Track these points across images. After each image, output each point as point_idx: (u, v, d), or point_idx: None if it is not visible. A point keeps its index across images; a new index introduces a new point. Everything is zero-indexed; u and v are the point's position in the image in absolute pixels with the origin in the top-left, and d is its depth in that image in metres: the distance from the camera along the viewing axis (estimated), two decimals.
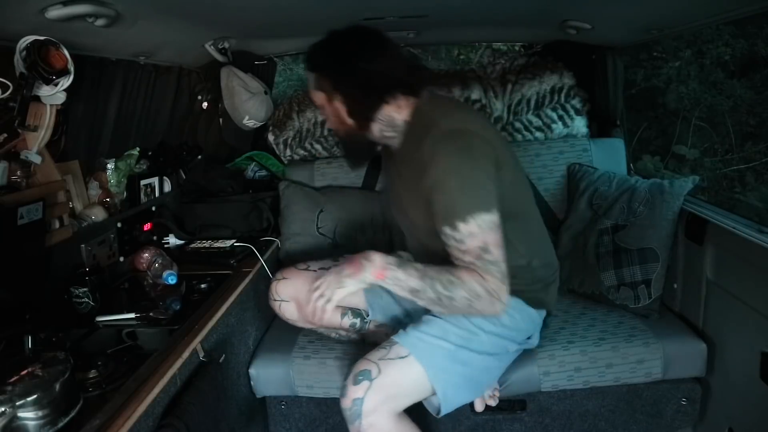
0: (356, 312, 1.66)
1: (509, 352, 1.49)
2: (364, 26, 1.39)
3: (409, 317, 1.60)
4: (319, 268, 1.63)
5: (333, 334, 1.77)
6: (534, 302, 1.48)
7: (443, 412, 1.38)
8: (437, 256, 1.34)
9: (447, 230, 1.26)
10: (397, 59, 1.38)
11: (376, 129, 1.42)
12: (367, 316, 1.65)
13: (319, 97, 1.43)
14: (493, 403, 1.57)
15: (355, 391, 1.29)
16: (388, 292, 1.45)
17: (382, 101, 1.37)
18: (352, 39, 1.36)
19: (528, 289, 1.46)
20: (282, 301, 1.67)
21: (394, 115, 1.40)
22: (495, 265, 1.25)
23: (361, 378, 1.30)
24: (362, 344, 1.70)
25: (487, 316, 1.34)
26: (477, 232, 1.23)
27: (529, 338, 1.53)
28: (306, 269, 1.67)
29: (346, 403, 1.31)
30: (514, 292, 1.35)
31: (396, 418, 1.33)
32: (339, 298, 1.35)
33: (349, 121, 1.40)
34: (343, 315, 1.67)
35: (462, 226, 1.23)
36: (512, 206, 1.35)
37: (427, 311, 1.42)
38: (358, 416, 1.29)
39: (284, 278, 1.67)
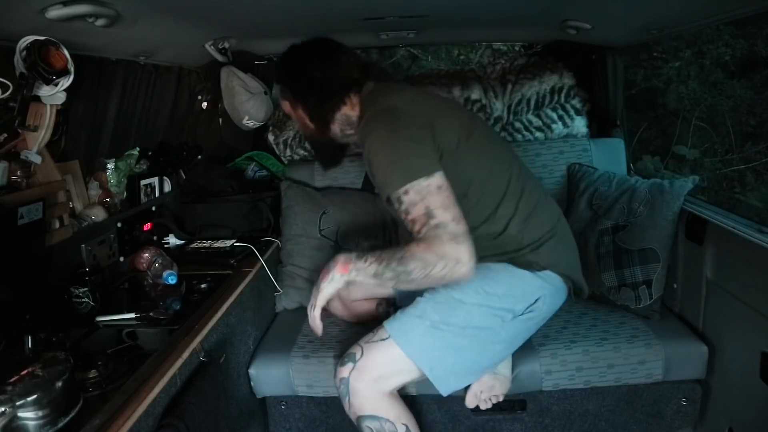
0: (389, 301, 1.77)
1: (505, 323, 1.40)
2: (319, 37, 1.52)
3: None
4: None
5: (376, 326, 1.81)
6: (525, 265, 1.44)
7: (443, 392, 1.39)
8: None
9: (394, 203, 1.28)
10: (347, 63, 1.49)
11: (338, 129, 1.53)
12: (399, 304, 1.71)
13: (285, 106, 1.57)
14: (483, 406, 1.55)
15: (341, 372, 1.40)
16: None
17: (339, 102, 1.48)
18: (306, 50, 1.50)
19: (515, 254, 1.43)
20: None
21: (349, 114, 1.50)
22: (442, 227, 1.22)
23: (346, 360, 1.41)
24: None
25: (457, 281, 1.30)
26: (417, 200, 1.24)
27: (535, 302, 1.43)
28: None
29: (336, 383, 1.42)
30: (498, 257, 1.40)
31: (383, 398, 1.38)
32: (321, 303, 1.39)
33: (311, 125, 1.53)
34: (378, 305, 1.79)
35: (403, 197, 1.25)
36: (474, 172, 1.38)
37: (418, 293, 1.45)
38: (346, 394, 1.39)
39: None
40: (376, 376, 1.38)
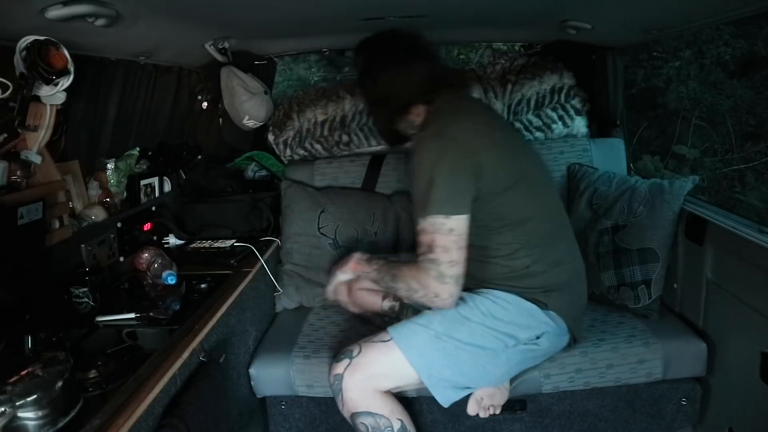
0: (396, 296, 1.77)
1: (507, 349, 1.43)
2: (397, 31, 1.53)
3: None
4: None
5: (377, 321, 1.84)
6: (534, 300, 1.46)
7: (443, 403, 1.40)
8: None
9: (415, 220, 1.39)
10: (419, 73, 1.49)
11: (401, 126, 1.57)
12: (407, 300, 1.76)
13: (360, 90, 1.67)
14: (483, 414, 1.54)
15: (335, 368, 1.42)
16: None
17: (402, 112, 1.53)
18: (381, 48, 1.53)
19: (526, 290, 1.45)
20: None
21: (413, 119, 1.54)
22: (434, 264, 1.33)
23: (342, 356, 1.43)
24: None
25: (437, 308, 1.42)
26: (429, 230, 1.34)
27: (537, 338, 1.45)
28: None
29: (330, 379, 1.44)
30: (511, 288, 1.43)
31: (376, 395, 1.40)
32: (333, 284, 1.72)
33: (373, 117, 1.63)
34: (384, 298, 1.79)
35: (421, 221, 1.35)
36: (513, 215, 1.41)
37: None
38: (339, 391, 1.41)
39: (343, 264, 1.81)
40: (370, 373, 1.39)
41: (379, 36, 1.55)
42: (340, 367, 1.41)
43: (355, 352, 1.42)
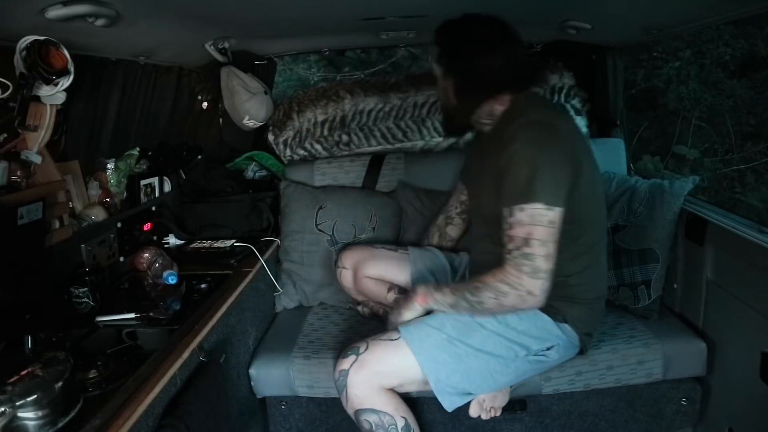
0: (402, 289, 1.78)
1: (517, 359, 1.42)
2: (492, 17, 1.44)
3: None
4: (381, 248, 1.87)
5: (380, 311, 1.86)
6: (549, 311, 1.44)
7: (447, 407, 1.40)
8: (492, 242, 1.40)
9: (505, 212, 1.30)
10: (512, 57, 1.44)
11: (475, 115, 1.49)
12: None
13: (437, 69, 1.50)
14: (485, 416, 1.54)
15: (341, 364, 1.41)
16: (433, 275, 1.75)
17: (488, 96, 1.45)
18: (476, 29, 1.43)
19: (550, 301, 1.41)
20: (343, 268, 1.87)
21: (495, 107, 1.46)
22: (529, 258, 1.26)
23: (349, 352, 1.42)
24: None
25: (526, 310, 1.36)
26: (526, 222, 1.26)
27: (548, 349, 1.45)
28: (370, 246, 1.89)
29: (335, 375, 1.43)
30: None
31: (381, 393, 1.39)
32: (400, 321, 1.47)
33: (454, 101, 1.48)
34: (390, 290, 1.80)
35: (516, 211, 1.27)
36: (574, 217, 1.35)
37: None
38: (343, 387, 1.40)
39: (350, 249, 1.88)
40: (376, 371, 1.39)
41: (470, 18, 1.44)
42: (346, 363, 1.40)
43: (362, 349, 1.41)
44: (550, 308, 1.44)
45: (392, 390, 1.42)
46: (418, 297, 1.44)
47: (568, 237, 1.36)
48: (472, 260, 1.67)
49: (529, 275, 1.27)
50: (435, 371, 1.38)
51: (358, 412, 1.39)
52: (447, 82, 1.47)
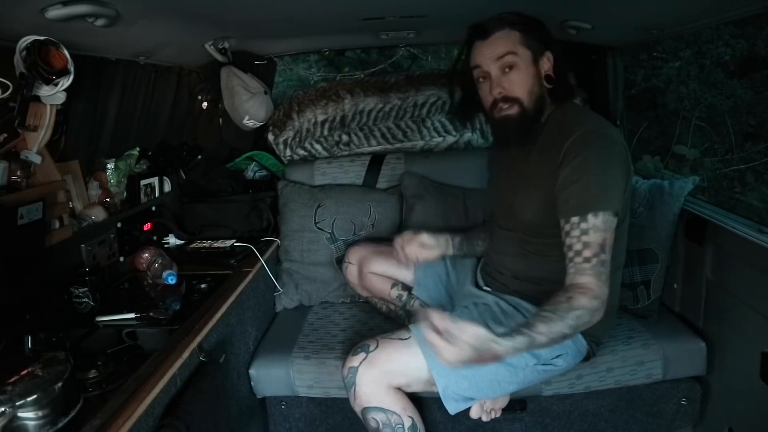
0: (405, 286, 1.80)
1: (526, 368, 1.40)
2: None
3: (451, 302, 1.67)
4: (387, 245, 1.83)
5: (383, 308, 1.87)
6: None
7: (451, 411, 1.39)
8: (523, 246, 1.40)
9: (575, 219, 1.26)
10: (568, 59, 1.46)
11: (546, 108, 1.43)
12: (413, 292, 1.76)
13: (524, 53, 1.38)
14: (486, 418, 1.54)
15: (351, 361, 1.40)
16: (437, 274, 1.76)
17: (573, 83, 1.43)
18: (536, 24, 1.41)
19: None
20: (349, 263, 1.91)
21: (545, 110, 1.43)
22: (604, 267, 1.24)
23: (359, 350, 1.41)
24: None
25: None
26: (602, 228, 1.25)
27: (557, 357, 1.42)
28: (376, 243, 1.92)
29: (343, 372, 1.41)
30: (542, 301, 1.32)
31: (390, 391, 1.38)
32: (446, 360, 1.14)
33: (545, 86, 1.41)
34: (393, 286, 1.82)
35: (591, 218, 1.25)
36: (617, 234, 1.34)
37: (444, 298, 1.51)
38: (352, 384, 1.39)
39: (357, 245, 1.92)
40: (386, 369, 1.38)
41: (523, 15, 1.41)
42: (355, 361, 1.39)
43: (372, 347, 1.40)
44: None
45: (400, 389, 1.42)
46: (493, 359, 1.13)
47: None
48: (493, 265, 1.60)
49: (605, 283, 1.24)
50: (444, 377, 1.37)
51: (365, 410, 1.38)
52: (541, 62, 1.40)
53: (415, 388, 1.44)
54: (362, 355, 1.39)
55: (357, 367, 1.38)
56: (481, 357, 1.11)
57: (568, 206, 1.29)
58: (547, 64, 1.40)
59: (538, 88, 1.40)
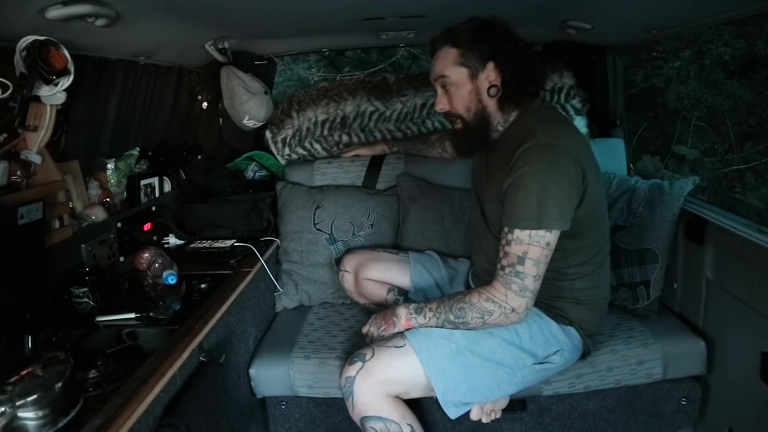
0: (401, 290, 1.82)
1: (524, 368, 1.42)
2: (504, 19, 1.42)
3: None
4: (382, 251, 1.94)
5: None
6: (554, 315, 1.45)
7: (451, 415, 1.39)
8: (494, 253, 1.40)
9: (505, 229, 1.32)
10: (536, 59, 1.45)
11: (496, 119, 1.44)
12: (409, 296, 1.78)
13: (459, 73, 1.40)
14: (486, 419, 1.54)
15: (348, 371, 1.40)
16: (432, 276, 1.80)
17: (531, 87, 1.41)
18: (503, 26, 1.40)
19: (556, 303, 1.45)
20: (345, 271, 1.91)
21: (511, 112, 1.43)
22: (519, 277, 1.29)
23: (356, 359, 1.40)
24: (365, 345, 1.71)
25: (505, 326, 1.39)
26: (525, 241, 1.28)
27: (554, 354, 1.45)
28: (371, 250, 1.94)
29: (341, 382, 1.41)
30: (539, 301, 1.38)
31: (388, 400, 1.38)
32: (378, 336, 1.48)
33: (487, 100, 1.41)
34: (389, 291, 1.84)
35: (516, 231, 1.29)
36: (580, 228, 1.36)
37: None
38: (350, 394, 1.38)
39: (352, 253, 1.94)
40: (383, 378, 1.37)
41: (482, 18, 1.41)
42: (352, 370, 1.39)
43: (368, 356, 1.39)
44: (555, 311, 1.46)
45: (398, 397, 1.41)
46: (401, 321, 1.44)
47: (574, 246, 1.38)
48: (479, 268, 1.63)
49: (516, 293, 1.30)
50: (443, 382, 1.37)
51: (364, 419, 1.38)
52: (479, 78, 1.39)
53: (413, 394, 1.44)
54: (359, 364, 1.39)
55: (354, 377, 1.37)
56: (384, 317, 1.47)
57: (504, 216, 1.34)
58: (491, 75, 1.39)
59: (476, 103, 1.42)
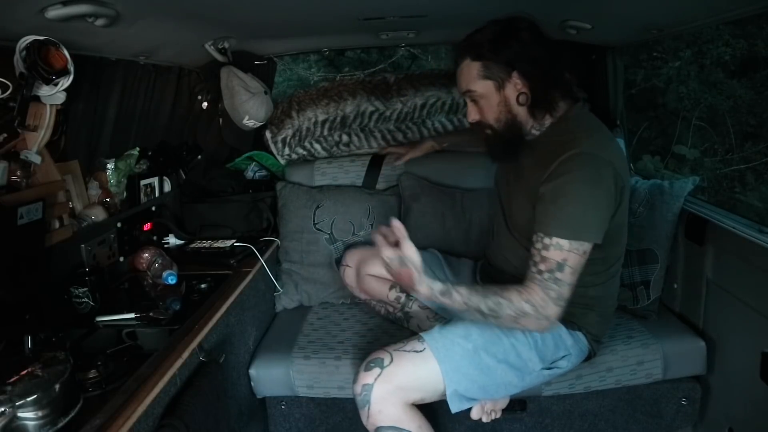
0: (403, 288, 1.74)
1: (533, 372, 1.41)
2: (528, 18, 1.37)
3: None
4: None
5: (382, 310, 1.86)
6: (567, 322, 1.43)
7: (453, 409, 1.37)
8: (515, 255, 1.41)
9: (540, 234, 1.28)
10: (568, 61, 1.42)
11: (529, 124, 1.41)
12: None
13: (485, 86, 1.37)
14: (486, 419, 1.54)
15: (365, 377, 1.33)
16: (434, 273, 1.66)
17: (560, 90, 1.38)
18: (527, 28, 1.35)
19: (568, 309, 1.40)
20: (347, 266, 1.91)
21: (546, 115, 1.40)
22: (557, 284, 1.26)
23: (372, 365, 1.34)
24: (365, 345, 1.71)
25: (531, 330, 1.37)
26: (565, 248, 1.25)
27: (561, 358, 1.44)
28: (374, 246, 1.80)
29: (356, 389, 1.34)
30: None
31: (406, 408, 1.34)
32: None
33: (517, 108, 1.38)
34: (391, 287, 1.80)
35: (558, 240, 1.26)
36: (606, 238, 1.33)
37: None
38: (366, 402, 1.32)
39: (354, 248, 1.94)
40: (402, 385, 1.33)
41: (512, 18, 1.36)
42: (369, 377, 1.32)
43: (386, 361, 1.33)
44: (566, 317, 1.41)
45: (414, 405, 1.37)
46: (421, 289, 1.33)
47: (596, 255, 1.34)
48: (496, 266, 1.60)
49: (554, 300, 1.26)
50: (456, 382, 1.35)
51: (379, 429, 1.33)
52: (506, 88, 1.36)
53: (428, 400, 1.40)
54: (377, 370, 1.32)
55: (372, 384, 1.31)
56: (399, 274, 1.33)
57: (539, 220, 1.30)
58: (518, 83, 1.35)
59: (506, 113, 1.38)
